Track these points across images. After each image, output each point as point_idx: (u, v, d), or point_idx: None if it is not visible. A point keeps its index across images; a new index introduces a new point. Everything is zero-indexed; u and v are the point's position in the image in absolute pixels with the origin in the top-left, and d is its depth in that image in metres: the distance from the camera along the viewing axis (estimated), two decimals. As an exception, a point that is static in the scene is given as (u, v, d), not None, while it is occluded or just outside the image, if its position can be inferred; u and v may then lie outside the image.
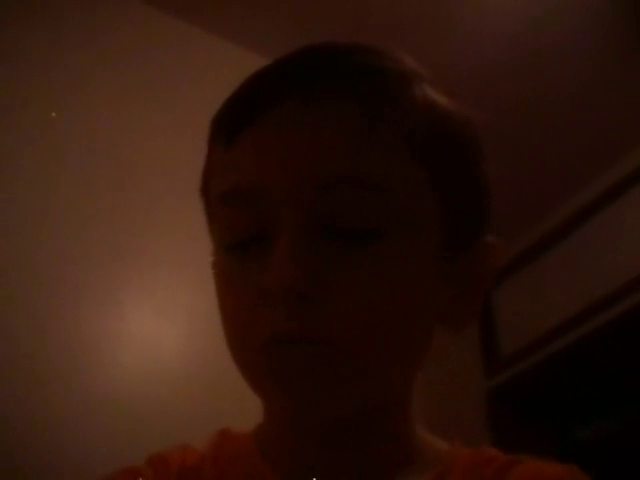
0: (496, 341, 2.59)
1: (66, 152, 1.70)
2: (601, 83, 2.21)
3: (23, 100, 1.69)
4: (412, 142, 0.50)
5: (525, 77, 2.18)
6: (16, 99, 1.68)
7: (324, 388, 0.47)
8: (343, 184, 0.47)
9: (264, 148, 0.49)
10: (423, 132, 0.50)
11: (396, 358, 0.50)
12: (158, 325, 1.66)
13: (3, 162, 1.61)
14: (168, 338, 1.66)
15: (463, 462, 0.54)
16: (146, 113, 1.84)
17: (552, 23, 2.05)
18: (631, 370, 2.25)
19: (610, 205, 2.37)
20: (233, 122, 0.51)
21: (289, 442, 0.54)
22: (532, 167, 2.40)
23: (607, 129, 2.31)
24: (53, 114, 1.70)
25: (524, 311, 2.55)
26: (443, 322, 0.54)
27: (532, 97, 2.23)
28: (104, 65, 1.85)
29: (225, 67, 2.00)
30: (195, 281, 1.68)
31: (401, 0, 2.02)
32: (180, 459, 0.56)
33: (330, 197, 0.47)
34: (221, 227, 0.52)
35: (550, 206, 2.53)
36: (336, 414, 0.49)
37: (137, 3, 1.96)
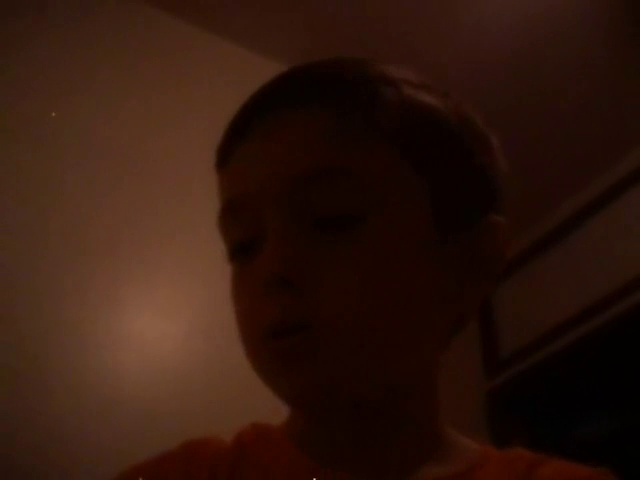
0: (496, 341, 2.59)
1: (66, 152, 1.70)
2: (601, 83, 2.21)
3: (23, 100, 1.69)
4: (382, 130, 0.53)
5: (525, 77, 2.18)
6: (16, 99, 1.68)
7: (318, 371, 0.50)
8: (318, 176, 0.51)
9: (247, 160, 0.54)
10: (394, 120, 0.54)
11: (391, 340, 0.52)
12: (159, 325, 1.66)
13: (3, 162, 1.62)
14: (169, 338, 1.66)
15: (496, 456, 0.57)
16: (147, 113, 1.85)
17: (552, 23, 2.05)
18: (631, 370, 2.25)
19: (610, 205, 2.37)
20: (223, 147, 0.57)
21: (314, 429, 0.56)
22: (532, 167, 2.40)
23: (607, 129, 2.31)
24: (53, 114, 1.70)
25: (524, 311, 2.55)
26: (454, 304, 0.55)
27: (532, 97, 2.23)
28: (105, 65, 1.85)
29: (227, 68, 2.00)
30: (196, 281, 1.68)
31: (402, 1, 2.02)
32: (215, 445, 0.57)
33: (308, 190, 0.51)
34: (224, 239, 0.57)
35: (550, 206, 2.53)
36: (339, 397, 0.51)
37: (138, 3, 1.96)
